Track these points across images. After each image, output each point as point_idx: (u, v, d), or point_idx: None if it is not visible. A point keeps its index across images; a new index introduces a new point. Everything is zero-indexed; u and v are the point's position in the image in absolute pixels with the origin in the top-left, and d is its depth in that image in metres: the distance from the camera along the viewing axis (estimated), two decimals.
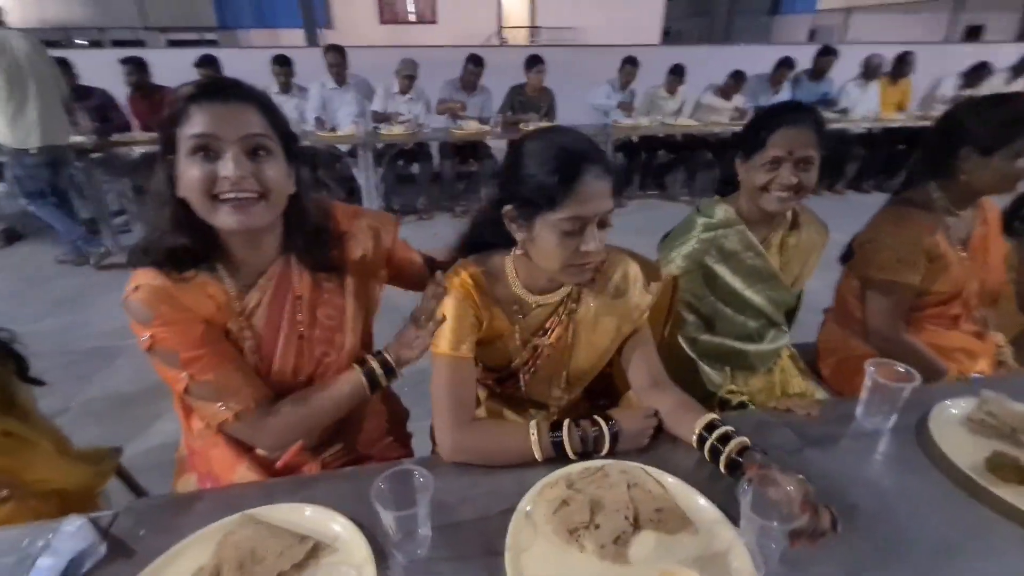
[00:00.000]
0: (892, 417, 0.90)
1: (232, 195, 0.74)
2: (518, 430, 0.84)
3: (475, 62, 4.18)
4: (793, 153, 1.05)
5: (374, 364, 0.91)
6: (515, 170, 0.82)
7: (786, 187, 1.07)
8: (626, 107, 4.55)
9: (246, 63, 4.11)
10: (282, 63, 3.97)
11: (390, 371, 0.91)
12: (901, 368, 0.89)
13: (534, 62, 4.25)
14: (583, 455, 0.83)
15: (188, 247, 0.79)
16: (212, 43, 10.39)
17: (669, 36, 15.26)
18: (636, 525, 0.72)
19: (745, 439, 0.78)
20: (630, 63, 4.50)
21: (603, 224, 0.82)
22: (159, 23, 10.67)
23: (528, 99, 4.43)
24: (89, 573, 0.66)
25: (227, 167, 0.73)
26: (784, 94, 4.79)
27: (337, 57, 4.02)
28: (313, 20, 6.53)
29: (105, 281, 3.30)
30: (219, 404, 0.83)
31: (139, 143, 3.66)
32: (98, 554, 0.67)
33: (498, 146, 4.18)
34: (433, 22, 11.61)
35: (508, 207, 0.84)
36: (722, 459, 0.78)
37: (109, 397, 2.20)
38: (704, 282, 1.19)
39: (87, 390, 2.24)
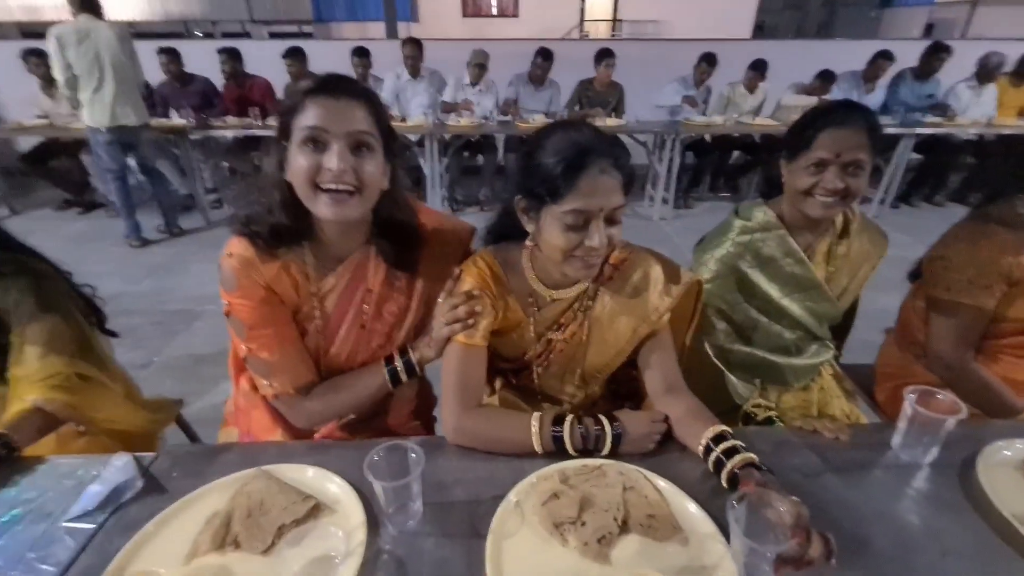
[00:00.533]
0: (932, 451, 0.82)
1: (332, 186, 0.80)
2: (520, 420, 0.85)
3: (544, 56, 4.17)
4: (840, 156, 0.99)
5: (398, 364, 0.96)
6: (527, 162, 0.83)
7: (831, 191, 1.01)
8: (691, 101, 4.36)
9: (332, 54, 4.38)
10: (361, 55, 4.17)
11: (412, 371, 0.96)
12: (944, 397, 0.81)
13: (603, 56, 4.17)
14: (583, 452, 0.83)
15: (287, 226, 0.87)
16: (307, 35, 11.10)
17: (762, 30, 14.38)
18: (624, 528, 0.71)
19: (751, 455, 0.75)
20: (706, 61, 4.30)
21: (612, 220, 0.81)
22: (263, 17, 11.50)
23: (596, 93, 4.36)
24: (126, 503, 0.75)
25: (331, 160, 0.79)
26: (879, 93, 4.37)
27: (413, 50, 4.16)
28: (395, 14, 6.79)
29: (194, 251, 3.66)
30: (266, 381, 0.92)
31: (231, 127, 3.98)
32: (135, 487, 0.77)
33: None
34: (515, 16, 11.70)
35: (519, 198, 0.86)
36: (724, 472, 0.75)
37: (186, 355, 2.44)
38: (737, 288, 1.14)
39: (169, 347, 2.50)
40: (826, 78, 4.26)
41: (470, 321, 0.88)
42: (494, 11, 11.72)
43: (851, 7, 14.49)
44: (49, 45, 3.12)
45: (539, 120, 4.11)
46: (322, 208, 0.82)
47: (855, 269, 1.16)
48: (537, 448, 0.83)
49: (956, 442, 0.82)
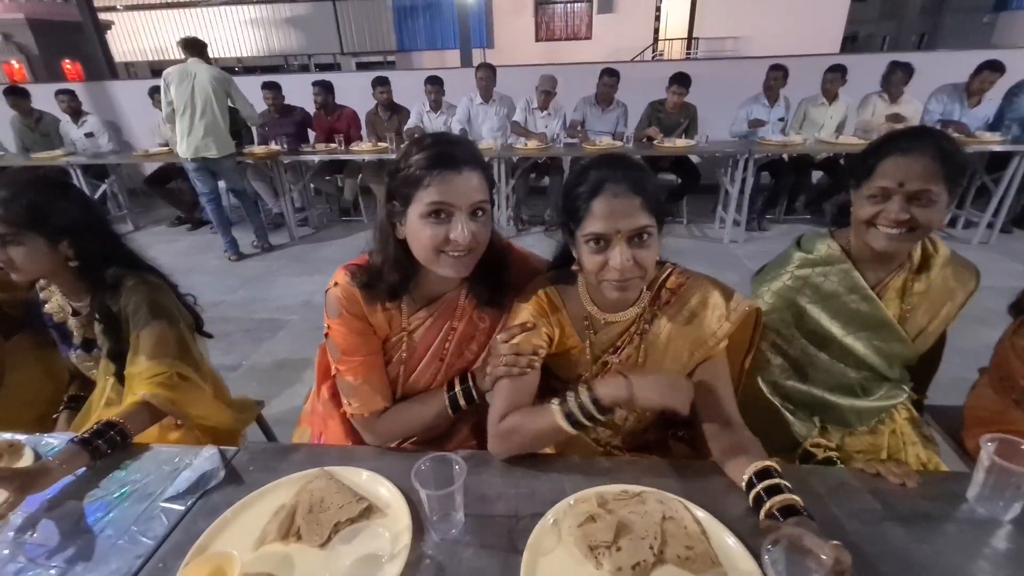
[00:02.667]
0: (1015, 506, 0.75)
1: (457, 254, 0.86)
2: (544, 409, 0.88)
3: (609, 74, 4.19)
4: (904, 185, 0.92)
5: (459, 391, 1.01)
6: (563, 193, 0.89)
7: (894, 223, 0.94)
8: (757, 124, 4.20)
9: (412, 82, 4.67)
10: (433, 83, 4.41)
11: (470, 398, 1.01)
12: None
13: (673, 81, 4.13)
14: (591, 419, 0.84)
15: (397, 283, 0.94)
16: (391, 64, 11.89)
17: (855, 42, 13.50)
18: (660, 557, 0.71)
19: (794, 497, 0.72)
20: (776, 69, 4.14)
21: (639, 243, 0.82)
22: (352, 49, 12.45)
23: (667, 114, 4.31)
24: (211, 490, 0.86)
25: (456, 231, 0.84)
26: (986, 107, 3.97)
27: (486, 73, 4.35)
28: (469, 43, 7.11)
29: (282, 265, 3.99)
30: (347, 400, 1.01)
31: (317, 152, 4.35)
32: (218, 477, 0.87)
33: None
34: (588, 38, 11.82)
35: (565, 224, 0.91)
36: (762, 511, 0.73)
37: (270, 361, 2.67)
38: (795, 323, 1.09)
39: (257, 352, 2.75)
40: (837, 69, 3.97)
41: (528, 369, 0.91)
42: (567, 35, 11.91)
43: (958, 13, 13.29)
44: (162, 84, 3.62)
45: (605, 142, 4.12)
46: (445, 269, 0.88)
47: (936, 308, 1.06)
48: (563, 425, 0.84)
49: None
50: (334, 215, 5.16)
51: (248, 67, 11.13)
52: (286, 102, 4.69)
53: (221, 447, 0.95)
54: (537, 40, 11.93)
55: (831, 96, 4.17)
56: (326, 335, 1.00)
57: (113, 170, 4.92)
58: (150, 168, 4.87)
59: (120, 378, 1.13)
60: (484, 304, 1.02)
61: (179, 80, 3.57)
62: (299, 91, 4.75)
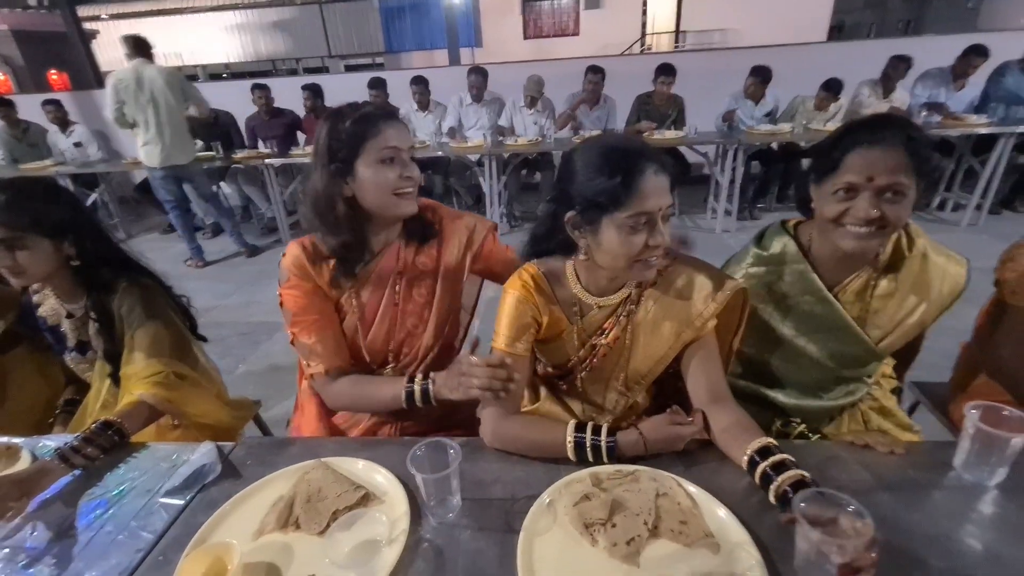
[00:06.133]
0: (999, 472, 0.77)
1: (408, 189, 1.02)
2: (555, 428, 0.88)
3: (594, 71, 4.20)
4: (874, 180, 0.84)
5: (417, 388, 1.02)
6: (573, 178, 0.87)
7: (864, 221, 0.86)
8: (729, 117, 4.23)
9: (400, 82, 4.67)
10: (418, 83, 4.43)
11: (427, 399, 1.01)
12: (1012, 413, 0.75)
13: (659, 72, 4.15)
14: (597, 460, 0.85)
15: (352, 241, 1.05)
16: (379, 66, 11.87)
17: (841, 31, 13.57)
18: (655, 532, 0.72)
19: (803, 473, 0.73)
20: (757, 75, 4.15)
21: (665, 219, 0.84)
22: (340, 51, 12.42)
23: (655, 107, 4.33)
24: (209, 484, 0.86)
25: (409, 170, 1.01)
26: (970, 91, 4.01)
27: (478, 79, 4.38)
28: (457, 42, 7.13)
29: (276, 269, 3.98)
30: (306, 362, 1.09)
31: (308, 155, 4.32)
32: (216, 471, 0.88)
33: None
34: (576, 34, 11.84)
35: (571, 214, 0.88)
36: (773, 487, 0.74)
37: (267, 364, 2.67)
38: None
39: (253, 356, 2.75)
40: (831, 88, 4.01)
41: (502, 394, 0.87)
42: (555, 32, 11.92)
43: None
44: (107, 88, 3.46)
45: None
46: (401, 207, 1.03)
47: (909, 309, 0.98)
48: (571, 455, 0.86)
49: (1021, 462, 0.76)
50: None
51: (236, 72, 11.08)
52: (275, 105, 4.68)
53: (219, 443, 0.95)
54: (525, 38, 11.94)
55: (822, 107, 4.21)
56: (280, 305, 1.08)
57: (103, 179, 4.90)
58: (140, 176, 4.84)
59: (116, 380, 1.13)
60: (420, 242, 1.12)
61: (135, 86, 3.43)
62: (288, 95, 4.74)
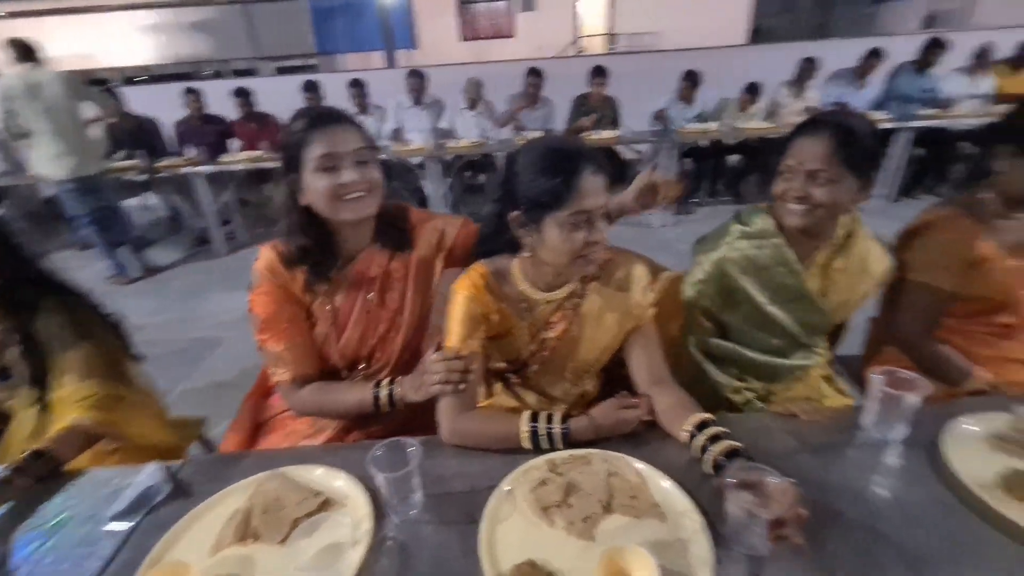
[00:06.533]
0: (899, 428, 0.87)
1: (352, 195, 0.98)
2: (510, 419, 0.92)
3: (534, 74, 4.29)
4: (803, 164, 1.02)
5: (383, 393, 1.04)
6: (517, 179, 0.92)
7: (795, 198, 1.03)
8: (660, 115, 4.43)
9: (337, 85, 4.56)
10: (355, 86, 4.35)
11: (393, 403, 1.04)
12: (907, 375, 0.86)
13: (593, 74, 4.31)
14: (552, 448, 0.89)
15: (311, 244, 1.04)
16: (312, 68, 11.49)
17: (760, 34, 14.46)
18: (608, 508, 0.77)
19: (737, 444, 0.80)
20: (688, 79, 4.37)
21: (603, 217, 0.90)
22: (269, 53, 11.91)
23: (592, 108, 4.46)
24: (158, 505, 0.83)
25: (347, 175, 0.97)
26: (872, 90, 4.41)
27: (417, 82, 4.37)
28: (393, 46, 7.03)
29: (214, 282, 3.79)
30: (273, 369, 1.08)
31: (240, 161, 4.17)
32: (164, 491, 0.85)
33: None
34: (511, 36, 11.94)
35: (515, 213, 0.93)
36: (709, 458, 0.81)
37: (210, 382, 2.55)
38: (726, 289, 1.16)
39: (194, 374, 2.61)
40: (752, 91, 4.33)
41: (461, 386, 0.93)
42: (491, 33, 11.98)
43: (846, 5, 14.53)
44: None
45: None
46: (347, 213, 1.00)
47: (854, 284, 1.14)
48: (526, 445, 0.89)
49: (925, 420, 0.87)
50: (264, 226, 4.94)
51: (157, 76, 10.36)
52: (206, 111, 4.46)
53: (165, 462, 0.92)
54: (462, 39, 11.93)
55: (744, 108, 4.47)
56: (249, 311, 1.07)
57: (8, 193, 4.48)
58: (49, 189, 4.47)
59: (45, 406, 1.06)
60: (394, 249, 1.12)
61: (27, 94, 3.13)
62: (215, 99, 4.52)
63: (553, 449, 0.89)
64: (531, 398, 1.12)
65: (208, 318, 3.21)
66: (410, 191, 4.68)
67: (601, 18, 11.97)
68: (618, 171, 4.51)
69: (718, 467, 0.79)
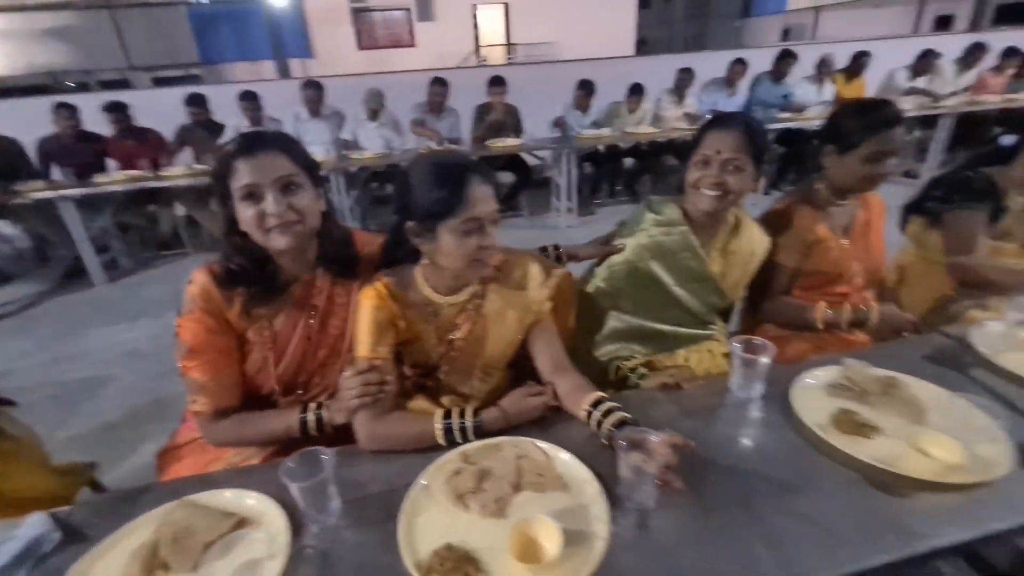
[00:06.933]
0: (758, 386, 1.03)
1: (278, 225, 0.94)
2: (425, 419, 0.96)
3: (439, 83, 4.35)
4: (720, 153, 1.14)
5: (310, 417, 1.03)
6: (410, 192, 0.97)
7: (712, 184, 1.16)
8: (559, 122, 4.69)
9: (225, 97, 4.30)
10: (247, 98, 4.11)
11: (321, 427, 1.04)
12: (759, 342, 1.02)
13: (492, 83, 4.46)
14: (465, 441, 0.95)
15: (252, 269, 1.01)
16: (195, 78, 10.66)
17: (646, 44, 15.61)
18: (518, 488, 0.84)
19: (625, 414, 0.91)
20: (582, 88, 4.64)
21: (493, 223, 0.97)
22: (143, 63, 10.91)
23: (494, 117, 4.60)
24: (47, 555, 0.78)
25: (269, 206, 0.94)
26: (740, 97, 4.95)
27: (314, 93, 4.22)
28: (283, 53, 6.74)
29: (91, 316, 3.41)
30: (192, 398, 1.03)
31: (119, 182, 3.80)
32: (53, 540, 0.79)
33: None
34: (411, 46, 11.89)
35: (410, 224, 0.98)
36: (602, 429, 0.91)
37: (97, 424, 2.31)
38: (639, 271, 1.28)
39: (74, 419, 2.35)
40: (636, 91, 4.74)
41: (380, 395, 0.96)
42: (390, 42, 11.85)
43: (716, 19, 16.10)
44: None
45: (445, 147, 4.26)
46: (275, 242, 0.97)
47: (744, 265, 1.32)
48: (441, 441, 0.94)
49: (779, 379, 1.03)
50: (151, 251, 4.53)
51: (5, 88, 9.02)
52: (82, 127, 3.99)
53: (52, 510, 0.85)
54: (360, 48, 11.68)
55: (633, 109, 4.82)
56: (176, 335, 1.01)
57: None
58: None
59: None
60: (337, 276, 1.10)
61: None
62: (87, 115, 4.08)
63: (467, 442, 0.94)
64: (445, 399, 1.17)
65: (88, 356, 2.89)
66: None
67: (499, 29, 12.28)
68: (523, 176, 4.68)
69: (611, 437, 0.89)
